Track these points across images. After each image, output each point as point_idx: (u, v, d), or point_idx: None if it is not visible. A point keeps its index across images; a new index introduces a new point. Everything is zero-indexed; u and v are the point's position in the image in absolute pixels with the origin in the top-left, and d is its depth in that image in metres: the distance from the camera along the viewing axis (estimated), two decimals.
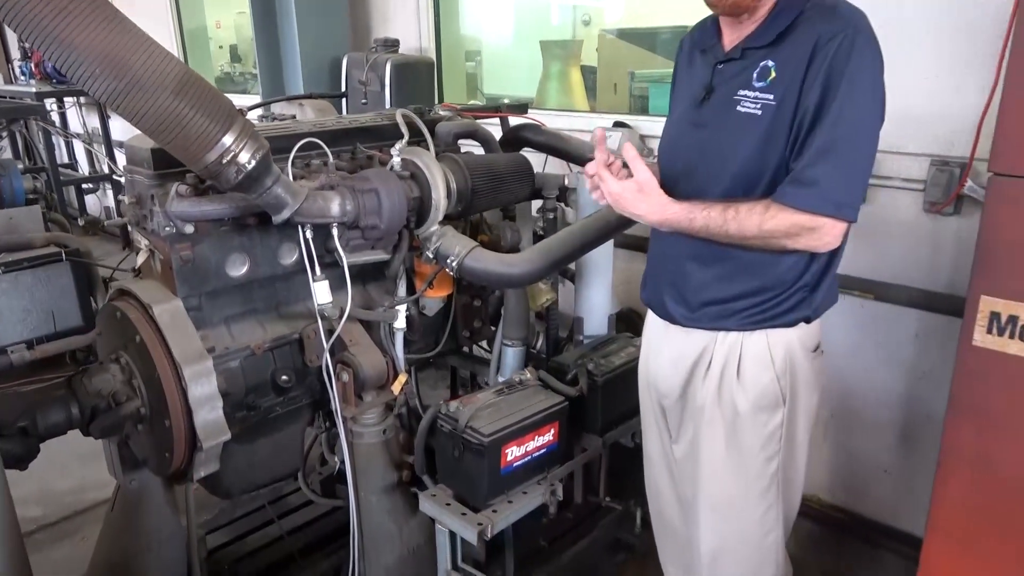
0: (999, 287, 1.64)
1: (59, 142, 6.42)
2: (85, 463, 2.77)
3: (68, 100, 6.25)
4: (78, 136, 6.45)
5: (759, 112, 1.41)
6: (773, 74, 1.41)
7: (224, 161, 1.47)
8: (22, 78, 6.32)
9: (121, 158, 5.96)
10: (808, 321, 1.55)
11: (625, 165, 1.47)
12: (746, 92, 1.44)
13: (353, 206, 1.79)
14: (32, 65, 5.88)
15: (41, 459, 1.75)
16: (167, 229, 1.68)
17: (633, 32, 4.15)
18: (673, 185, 1.52)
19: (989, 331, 1.68)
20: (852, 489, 2.70)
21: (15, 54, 7.04)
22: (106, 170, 6.07)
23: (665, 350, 1.69)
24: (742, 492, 1.62)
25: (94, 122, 6.07)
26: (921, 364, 2.42)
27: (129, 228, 1.87)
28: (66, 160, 6.67)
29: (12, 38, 7.30)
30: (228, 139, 1.46)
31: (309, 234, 1.77)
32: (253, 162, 1.50)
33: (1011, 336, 1.65)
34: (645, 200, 1.44)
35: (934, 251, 2.30)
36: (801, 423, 1.62)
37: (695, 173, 1.53)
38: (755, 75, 1.43)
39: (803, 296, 1.51)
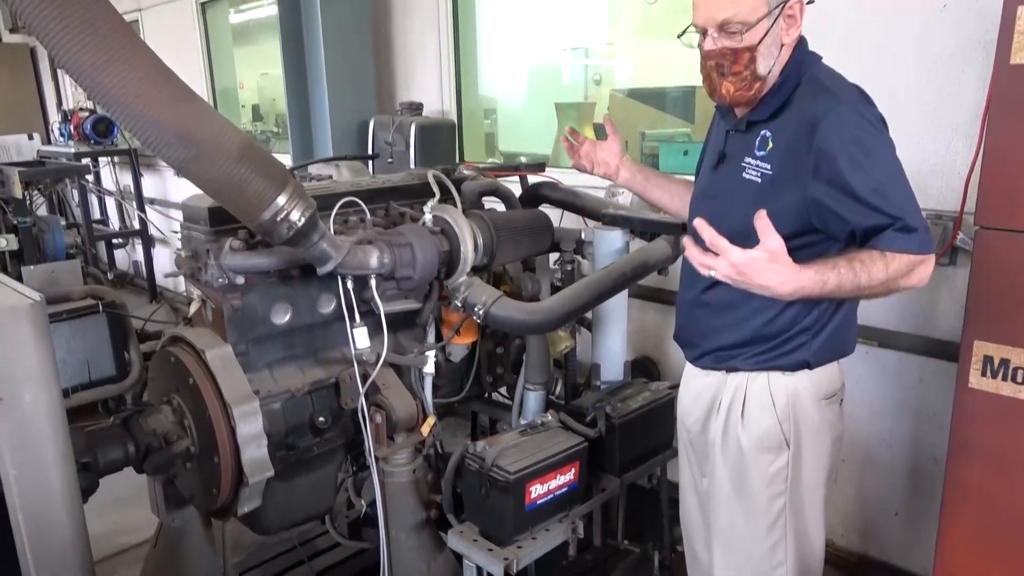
0: (990, 332, 1.76)
1: (91, 198, 6.69)
2: (119, 507, 2.85)
3: (103, 159, 6.55)
4: (111, 193, 6.71)
5: (759, 180, 1.55)
6: (771, 144, 1.55)
7: (278, 219, 1.61)
8: (61, 139, 6.63)
9: (152, 213, 6.21)
10: (809, 367, 1.61)
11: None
12: (750, 160, 1.58)
13: (390, 259, 1.93)
14: (71, 127, 6.19)
15: None
16: (220, 280, 1.83)
17: (643, 91, 4.24)
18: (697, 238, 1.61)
19: (983, 374, 1.79)
20: (864, 532, 2.75)
21: (54, 117, 7.40)
22: (136, 225, 6.31)
23: (690, 388, 1.81)
24: (749, 526, 1.69)
25: (126, 179, 6.34)
26: (926, 408, 2.50)
27: (172, 279, 2.02)
28: (98, 216, 6.94)
29: (51, 102, 7.69)
30: (282, 199, 1.60)
31: (350, 284, 1.91)
32: (303, 219, 1.64)
33: (1004, 378, 1.75)
34: (778, 271, 1.36)
35: (933, 300, 2.41)
36: (808, 468, 1.66)
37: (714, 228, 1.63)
38: (756, 143, 1.58)
39: (803, 341, 1.59)
